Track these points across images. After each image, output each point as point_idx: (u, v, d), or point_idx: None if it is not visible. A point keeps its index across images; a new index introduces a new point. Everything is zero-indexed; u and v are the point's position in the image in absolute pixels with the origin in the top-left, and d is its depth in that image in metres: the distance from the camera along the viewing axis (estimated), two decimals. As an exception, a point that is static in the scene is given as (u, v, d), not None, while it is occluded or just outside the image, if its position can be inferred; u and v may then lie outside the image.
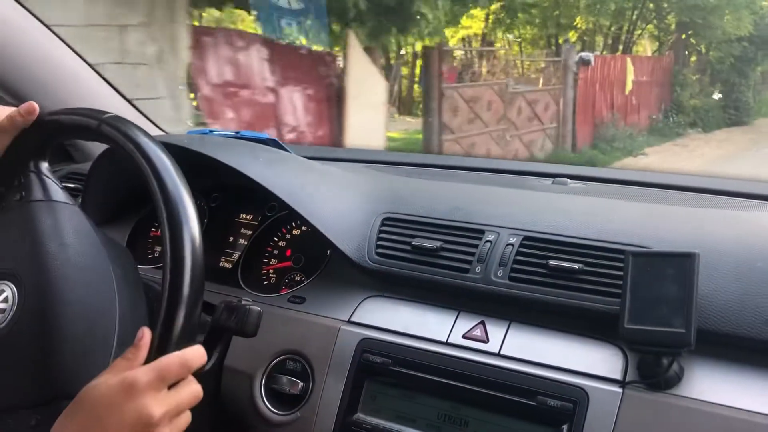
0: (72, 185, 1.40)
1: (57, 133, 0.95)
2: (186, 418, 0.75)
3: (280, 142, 1.32)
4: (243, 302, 0.91)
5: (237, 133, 1.31)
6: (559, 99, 10.09)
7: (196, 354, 0.76)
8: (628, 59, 12.47)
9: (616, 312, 0.84)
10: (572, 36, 13.96)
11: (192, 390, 0.76)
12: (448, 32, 10.92)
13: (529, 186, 1.28)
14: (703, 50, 15.30)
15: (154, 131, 1.49)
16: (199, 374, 1.02)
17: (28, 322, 0.81)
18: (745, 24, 12.99)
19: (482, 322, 0.96)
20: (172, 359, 0.73)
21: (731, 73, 14.18)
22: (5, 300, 0.83)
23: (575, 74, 10.15)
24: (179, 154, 0.99)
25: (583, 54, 10.94)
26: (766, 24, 14.04)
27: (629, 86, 11.94)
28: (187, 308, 0.76)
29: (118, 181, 1.26)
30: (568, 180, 1.29)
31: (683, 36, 14.58)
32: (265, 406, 1.01)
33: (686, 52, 14.93)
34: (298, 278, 1.19)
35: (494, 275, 0.97)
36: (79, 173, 1.42)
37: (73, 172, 1.44)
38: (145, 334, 0.75)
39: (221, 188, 1.32)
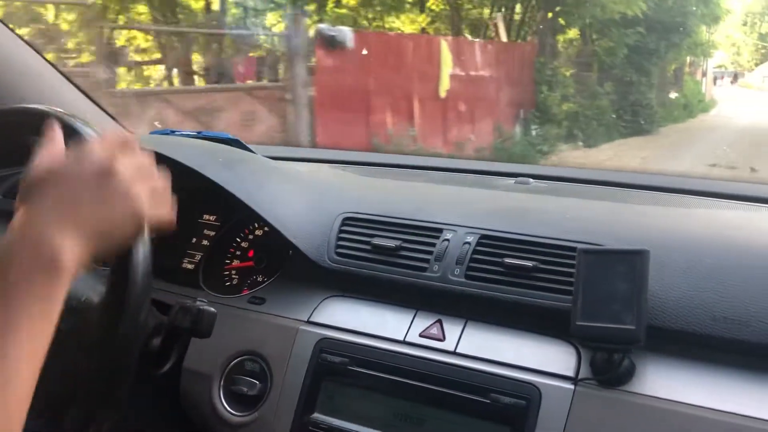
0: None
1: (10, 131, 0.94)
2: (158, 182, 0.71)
3: (243, 142, 1.31)
4: (198, 303, 0.90)
5: (199, 133, 1.30)
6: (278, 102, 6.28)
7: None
8: (443, 42, 8.03)
9: (569, 309, 0.85)
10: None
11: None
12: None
13: (491, 185, 1.29)
14: (572, 35, 11.17)
15: (115, 128, 1.47)
16: (158, 376, 1.02)
17: None
18: (637, 1, 9.44)
19: (439, 321, 0.96)
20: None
21: (627, 69, 10.56)
22: None
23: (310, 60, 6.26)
24: None
25: (323, 27, 6.71)
26: (669, 6, 10.76)
27: (444, 85, 7.79)
28: (131, 308, 0.75)
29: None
30: (531, 179, 1.30)
31: (549, 15, 10.48)
32: (224, 407, 1.00)
33: (555, 39, 10.75)
34: (260, 279, 1.18)
35: (451, 274, 0.97)
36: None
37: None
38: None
39: (183, 190, 1.30)
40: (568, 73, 10.49)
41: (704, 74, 15.68)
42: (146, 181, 0.69)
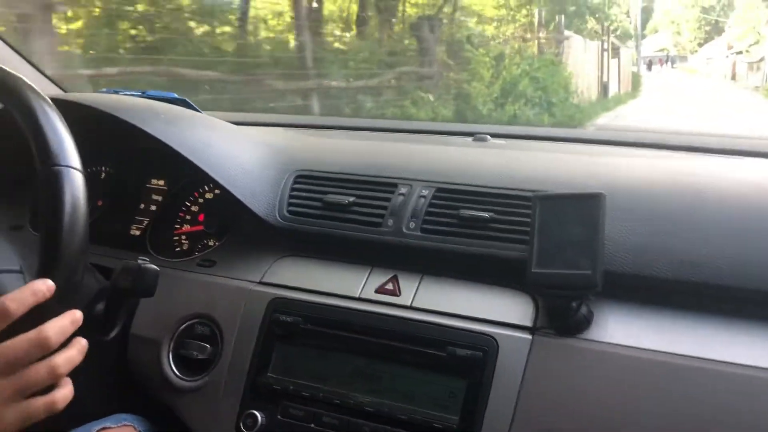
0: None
1: None
2: (41, 402, 0.67)
3: (190, 102, 1.26)
4: (139, 261, 0.86)
5: (143, 93, 1.25)
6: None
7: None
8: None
9: (525, 258, 0.83)
10: None
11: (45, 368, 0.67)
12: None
13: (449, 143, 1.26)
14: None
15: (54, 91, 1.40)
16: (104, 343, 0.97)
17: None
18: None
19: (395, 276, 0.94)
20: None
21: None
22: None
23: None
24: (78, 114, 0.93)
25: None
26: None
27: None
28: (64, 262, 0.71)
29: (14, 149, 1.19)
30: (488, 137, 1.28)
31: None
32: (173, 372, 0.97)
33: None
34: (211, 243, 1.14)
35: (406, 228, 0.94)
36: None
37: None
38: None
39: (129, 153, 1.25)
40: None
41: (607, 50, 12.28)
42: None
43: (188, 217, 1.19)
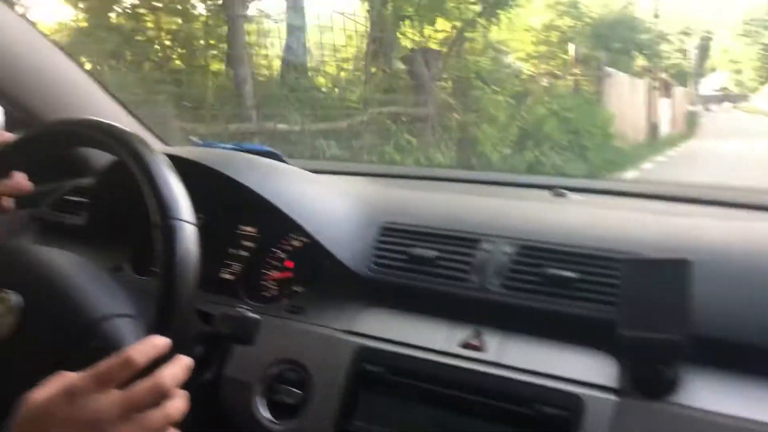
0: (77, 198, 1.42)
1: (53, 144, 0.98)
2: (160, 414, 0.72)
3: (280, 154, 1.33)
4: (240, 310, 0.92)
5: (238, 145, 1.33)
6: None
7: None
8: None
9: (612, 320, 0.84)
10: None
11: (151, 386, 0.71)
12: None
13: (528, 197, 1.29)
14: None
15: (156, 143, 1.50)
16: (199, 384, 1.03)
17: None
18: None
19: (479, 332, 0.96)
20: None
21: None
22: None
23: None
24: (179, 165, 1.01)
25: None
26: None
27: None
28: (178, 313, 0.76)
29: (121, 195, 1.28)
30: (567, 191, 1.30)
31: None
32: (263, 415, 1.01)
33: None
34: (298, 289, 1.19)
35: (490, 284, 0.97)
36: (85, 187, 1.44)
37: (78, 186, 1.46)
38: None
39: (222, 199, 1.33)
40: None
41: (658, 88, 11.24)
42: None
43: (276, 262, 1.24)
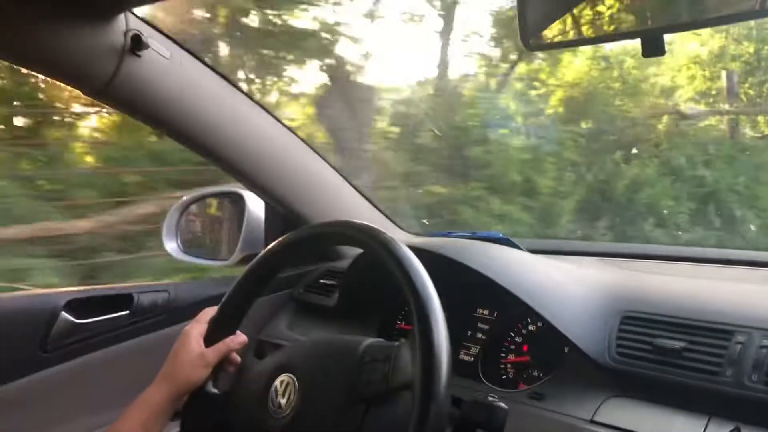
0: (329, 281, 1.61)
1: (316, 244, 1.14)
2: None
3: (512, 240, 1.40)
4: (490, 398, 0.97)
5: (473, 233, 1.42)
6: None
7: None
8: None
9: None
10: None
11: None
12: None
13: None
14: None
15: (398, 234, 1.66)
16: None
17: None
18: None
19: (737, 429, 0.92)
20: None
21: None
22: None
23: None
24: (423, 257, 1.12)
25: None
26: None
27: None
28: (437, 401, 0.84)
29: (368, 281, 1.43)
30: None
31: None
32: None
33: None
34: (535, 374, 1.22)
35: (748, 380, 0.93)
36: (335, 270, 1.62)
37: (330, 269, 1.65)
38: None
39: (460, 285, 1.42)
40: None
41: None
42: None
43: (512, 346, 1.29)
